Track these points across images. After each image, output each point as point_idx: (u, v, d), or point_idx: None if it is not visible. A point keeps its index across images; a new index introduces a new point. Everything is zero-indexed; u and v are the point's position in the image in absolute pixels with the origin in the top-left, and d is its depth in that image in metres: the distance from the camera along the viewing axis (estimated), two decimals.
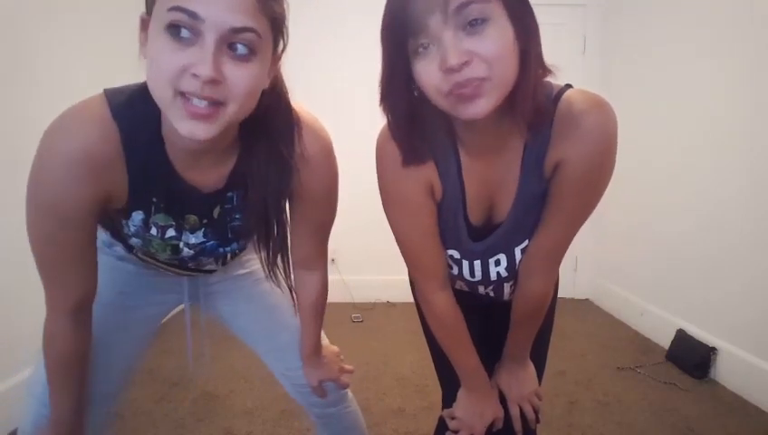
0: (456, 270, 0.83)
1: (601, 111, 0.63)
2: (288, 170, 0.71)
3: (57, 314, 0.70)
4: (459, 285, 0.88)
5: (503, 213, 0.74)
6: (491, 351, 0.90)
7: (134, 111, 0.63)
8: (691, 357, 1.99)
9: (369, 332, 2.55)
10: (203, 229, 0.76)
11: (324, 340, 1.00)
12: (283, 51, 0.64)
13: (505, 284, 0.83)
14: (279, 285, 0.84)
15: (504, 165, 0.70)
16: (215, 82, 0.53)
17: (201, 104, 0.54)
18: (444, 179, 0.72)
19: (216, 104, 0.55)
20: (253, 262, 0.97)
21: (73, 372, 0.74)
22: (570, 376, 1.99)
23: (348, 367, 1.01)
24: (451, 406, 0.91)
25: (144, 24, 0.57)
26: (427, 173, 0.71)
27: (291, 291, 0.89)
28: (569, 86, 0.67)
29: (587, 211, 0.72)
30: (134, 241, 0.76)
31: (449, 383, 0.91)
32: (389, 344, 2.36)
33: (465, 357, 0.85)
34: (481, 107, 0.56)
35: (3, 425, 1.46)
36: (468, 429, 0.87)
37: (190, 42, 0.52)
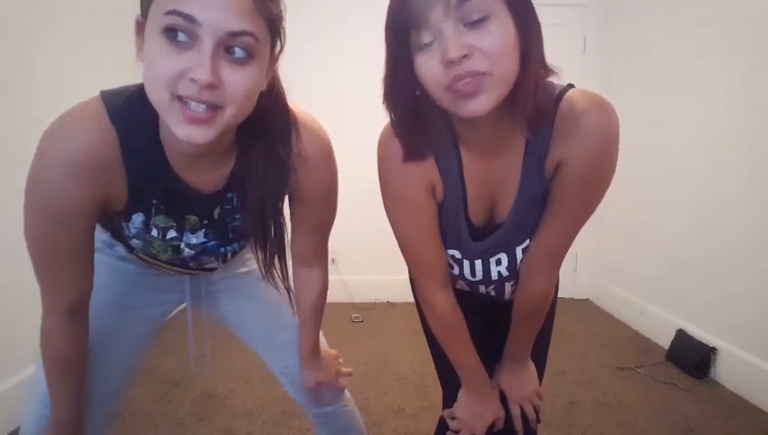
0: (456, 270, 0.83)
1: (603, 111, 0.63)
2: (285, 171, 0.71)
3: (53, 315, 0.70)
4: (460, 284, 0.88)
5: (504, 213, 0.74)
6: (491, 351, 0.90)
7: (132, 113, 0.62)
8: (691, 357, 1.99)
9: (369, 332, 2.55)
10: (204, 230, 0.76)
11: (323, 342, 1.00)
12: (280, 52, 0.64)
13: (506, 283, 0.83)
14: (277, 287, 0.84)
15: (505, 164, 0.70)
16: (212, 86, 0.52)
17: (199, 108, 0.54)
18: (445, 178, 0.72)
19: (214, 108, 0.55)
20: (254, 260, 0.97)
21: (72, 373, 0.74)
22: (570, 376, 1.99)
23: (346, 370, 1.01)
24: (452, 406, 0.91)
25: (140, 26, 0.57)
26: (429, 172, 0.71)
27: (288, 293, 0.89)
28: (571, 86, 0.67)
29: (588, 211, 0.72)
30: (135, 242, 0.76)
31: (450, 383, 0.91)
32: (389, 344, 2.36)
33: (466, 357, 0.85)
34: (481, 104, 0.56)
35: (3, 425, 1.46)
36: (469, 429, 0.87)
37: (187, 45, 0.52)
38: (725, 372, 1.89)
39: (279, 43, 0.62)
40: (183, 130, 0.55)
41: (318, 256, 0.90)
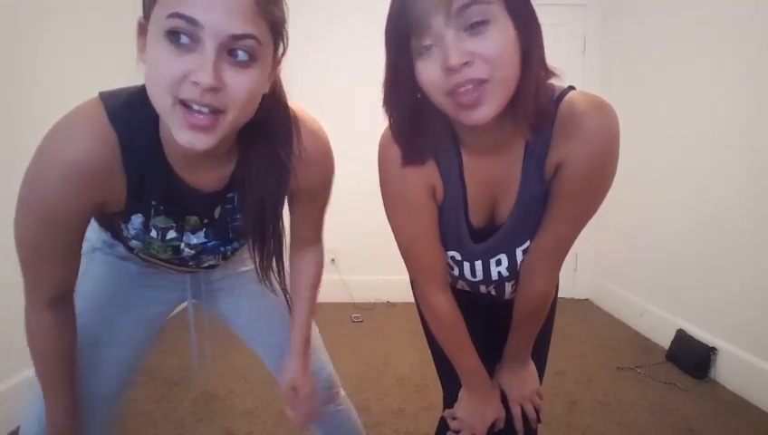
0: (457, 271, 0.83)
1: (603, 112, 0.63)
2: (286, 175, 0.71)
3: (34, 305, 0.70)
4: (461, 284, 0.88)
5: (504, 214, 0.74)
6: (492, 351, 0.90)
7: (131, 114, 0.62)
8: (691, 357, 1.99)
9: (369, 332, 2.55)
10: (204, 230, 0.76)
11: (318, 340, 0.99)
12: (283, 54, 0.63)
13: (507, 283, 0.83)
14: (273, 290, 0.83)
15: (505, 165, 0.70)
16: (215, 89, 0.52)
17: (202, 111, 0.53)
18: (445, 180, 0.72)
19: (216, 112, 0.55)
20: None
21: (61, 367, 0.74)
22: (570, 376, 1.99)
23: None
24: (452, 406, 0.91)
25: (142, 28, 0.56)
26: (429, 174, 0.71)
27: (285, 295, 0.89)
28: (571, 88, 0.67)
29: (589, 213, 0.72)
30: (134, 243, 0.76)
31: (450, 384, 0.91)
32: (389, 344, 2.36)
33: (466, 357, 0.85)
34: (483, 113, 0.57)
35: (3, 425, 1.46)
36: (470, 429, 0.87)
37: (189, 48, 0.52)
38: (725, 372, 1.89)
39: (282, 45, 0.62)
40: (184, 137, 0.55)
41: (313, 239, 0.90)
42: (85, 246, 0.75)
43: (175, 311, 0.97)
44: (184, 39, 0.51)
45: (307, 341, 0.92)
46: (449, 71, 0.54)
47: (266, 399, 1.79)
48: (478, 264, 0.79)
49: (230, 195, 0.74)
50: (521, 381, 0.89)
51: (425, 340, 0.96)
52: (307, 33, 2.81)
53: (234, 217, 0.77)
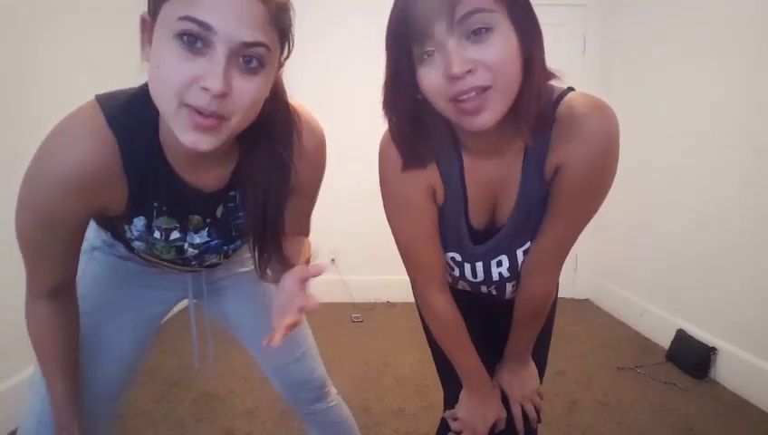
0: (457, 272, 0.83)
1: (602, 113, 0.63)
2: (287, 173, 0.71)
3: (34, 295, 0.71)
4: (461, 284, 0.88)
5: (504, 215, 0.74)
6: (492, 351, 0.90)
7: (130, 116, 0.62)
8: (691, 357, 1.99)
9: (369, 332, 2.55)
10: (207, 229, 0.76)
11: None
12: (286, 58, 0.64)
13: (507, 283, 0.83)
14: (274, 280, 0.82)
15: (505, 167, 0.70)
16: (224, 95, 0.52)
17: (207, 114, 0.53)
18: (446, 182, 0.72)
19: (221, 118, 0.54)
20: None
21: (61, 357, 0.74)
22: (570, 376, 1.99)
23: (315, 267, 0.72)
24: (453, 407, 0.91)
25: (145, 24, 0.56)
26: (430, 176, 0.71)
27: None
28: (570, 89, 0.67)
29: (589, 214, 0.72)
30: (137, 244, 0.76)
31: (451, 384, 0.91)
32: (389, 344, 2.36)
33: (466, 358, 0.85)
34: (485, 119, 0.57)
35: (3, 425, 1.46)
36: (471, 430, 0.87)
37: (199, 52, 0.51)
38: (725, 372, 1.89)
39: (287, 50, 0.62)
40: (189, 138, 0.54)
41: (302, 233, 0.87)
42: (84, 245, 0.75)
43: (175, 311, 0.97)
44: (198, 43, 0.51)
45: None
46: (452, 78, 0.54)
47: (266, 399, 1.79)
48: (479, 265, 0.79)
49: (232, 193, 0.74)
50: (521, 381, 0.89)
51: (425, 340, 0.96)
52: (307, 33, 2.79)
53: (236, 215, 0.77)
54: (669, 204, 2.30)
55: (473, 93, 0.55)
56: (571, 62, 2.82)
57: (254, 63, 0.54)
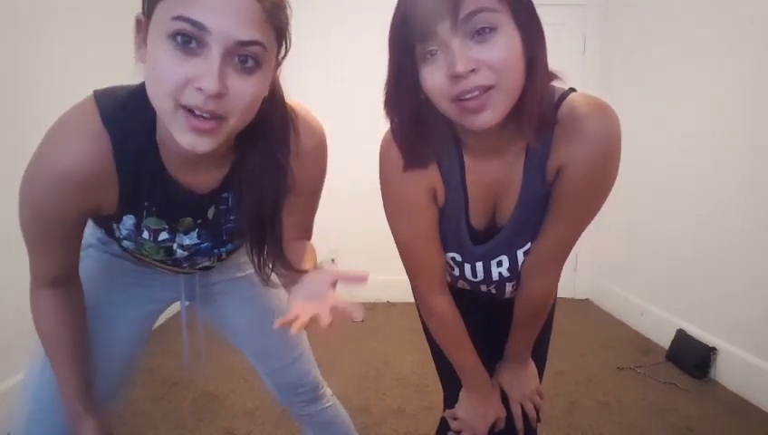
0: (457, 271, 0.83)
1: (604, 114, 0.63)
2: (284, 175, 0.70)
3: (39, 283, 0.72)
4: (461, 284, 0.88)
5: (505, 216, 0.74)
6: (492, 351, 0.90)
7: (126, 115, 0.62)
8: (691, 357, 1.99)
9: (369, 332, 2.55)
10: (197, 230, 0.76)
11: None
12: (284, 57, 0.63)
13: (507, 283, 0.83)
14: (273, 289, 0.82)
15: (506, 167, 0.70)
16: (219, 95, 0.52)
17: (204, 115, 0.53)
18: (447, 183, 0.72)
19: (218, 118, 0.54)
20: (250, 265, 0.97)
21: (66, 344, 0.74)
22: (570, 376, 1.99)
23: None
24: (453, 407, 0.91)
25: (140, 25, 0.55)
26: (431, 177, 0.71)
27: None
28: (572, 90, 0.67)
29: (590, 214, 0.72)
30: (126, 244, 0.76)
31: (451, 384, 0.91)
32: (389, 344, 2.36)
33: (466, 357, 0.85)
34: (488, 118, 0.57)
35: (2, 425, 1.46)
36: (471, 429, 0.87)
37: (194, 52, 0.51)
38: (725, 372, 1.89)
39: (284, 48, 0.62)
40: (186, 140, 0.54)
41: (304, 235, 0.86)
42: None
43: (175, 311, 0.97)
44: (192, 43, 0.50)
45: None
46: (455, 78, 0.54)
47: (266, 399, 1.79)
48: (479, 265, 0.79)
49: (224, 195, 0.74)
50: (521, 380, 0.89)
51: (425, 340, 0.96)
52: (307, 33, 2.80)
53: (227, 218, 0.76)
54: (669, 204, 2.30)
55: (476, 93, 0.55)
56: (571, 63, 2.82)
57: (251, 63, 0.54)
